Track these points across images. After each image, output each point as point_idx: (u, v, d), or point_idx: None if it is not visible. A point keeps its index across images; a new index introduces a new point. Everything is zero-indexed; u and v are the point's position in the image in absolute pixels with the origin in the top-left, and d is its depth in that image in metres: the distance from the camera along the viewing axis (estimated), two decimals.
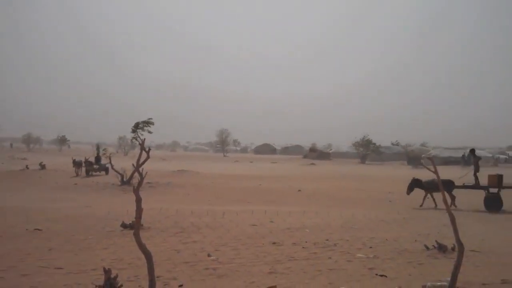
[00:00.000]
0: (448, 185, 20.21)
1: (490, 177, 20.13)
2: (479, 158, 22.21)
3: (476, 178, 20.98)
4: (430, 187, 20.69)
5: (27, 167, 39.93)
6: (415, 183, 21.60)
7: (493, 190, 20.11)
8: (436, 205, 20.25)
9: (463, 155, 74.78)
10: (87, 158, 38.57)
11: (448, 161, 76.06)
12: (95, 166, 38.55)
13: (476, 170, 21.31)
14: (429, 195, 21.08)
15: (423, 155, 76.06)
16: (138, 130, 26.89)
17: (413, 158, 76.75)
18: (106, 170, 37.71)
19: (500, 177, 20.04)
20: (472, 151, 22.37)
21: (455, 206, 19.52)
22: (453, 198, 20.17)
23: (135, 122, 26.95)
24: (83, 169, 37.52)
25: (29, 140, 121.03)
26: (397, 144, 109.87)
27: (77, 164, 37.59)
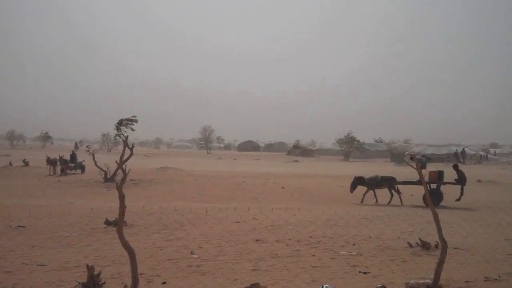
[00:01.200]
0: (391, 181, 21.32)
1: (431, 173, 20.60)
2: (428, 158, 22.56)
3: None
4: (372, 184, 21.48)
5: (10, 163, 39.57)
6: (357, 181, 22.01)
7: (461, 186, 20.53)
8: (376, 201, 20.93)
9: (456, 152, 75.41)
10: (61, 156, 37.01)
11: (431, 158, 76.63)
12: (70, 164, 37.20)
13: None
14: (400, 192, 21.35)
15: (406, 152, 76.58)
16: (121, 127, 26.75)
17: (396, 155, 77.29)
18: (82, 169, 37.06)
19: (440, 173, 20.68)
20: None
21: (401, 202, 20.42)
22: (398, 193, 21.01)
23: (119, 119, 26.81)
24: (58, 167, 36.28)
25: (12, 137, 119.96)
26: (381, 141, 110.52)
27: (51, 162, 36.23)
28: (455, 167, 21.24)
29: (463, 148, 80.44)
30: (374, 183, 21.40)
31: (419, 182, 20.33)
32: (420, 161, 19.78)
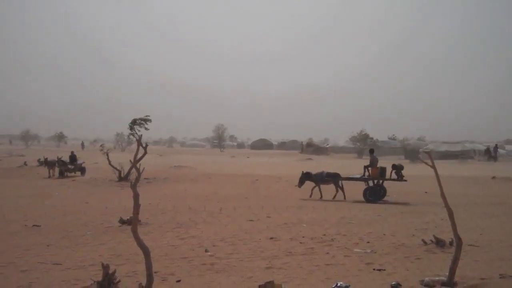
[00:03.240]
0: (335, 177, 22.05)
1: (373, 169, 21.23)
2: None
3: (366, 171, 21.79)
4: (318, 179, 22.24)
5: (25, 163, 39.78)
6: (305, 176, 22.65)
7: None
8: (321, 197, 21.48)
9: (488, 148, 74.57)
10: (59, 157, 34.58)
11: (445, 155, 76.03)
12: (70, 166, 34.52)
13: (371, 165, 21.80)
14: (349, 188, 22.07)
15: (420, 149, 76.07)
16: (135, 127, 26.83)
17: (410, 152, 76.72)
18: (82, 171, 34.94)
19: (383, 169, 21.20)
20: (371, 150, 23.03)
21: (343, 198, 21.13)
22: (341, 189, 21.65)
23: (132, 118, 26.91)
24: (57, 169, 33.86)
25: (27, 137, 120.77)
26: (394, 139, 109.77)
27: (49, 164, 33.95)
28: (394, 167, 21.73)
29: (496, 144, 79.55)
30: (320, 178, 22.22)
31: (362, 178, 21.54)
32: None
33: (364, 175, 21.74)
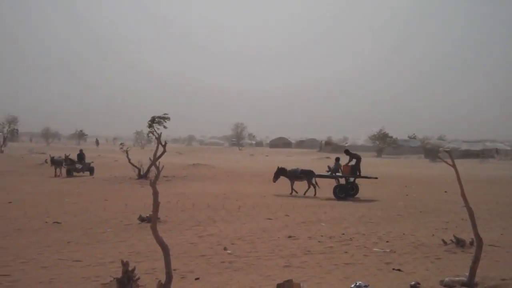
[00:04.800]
0: (309, 174, 22.76)
1: (345, 167, 21.71)
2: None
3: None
4: (293, 175, 22.99)
5: (46, 161, 40.08)
6: (280, 172, 23.48)
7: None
8: (292, 192, 22.27)
9: None
10: (67, 155, 32.99)
11: (466, 154, 75.30)
12: (77, 166, 32.86)
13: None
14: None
15: (440, 148, 75.39)
16: (154, 125, 27.03)
17: (430, 151, 76.09)
18: (91, 170, 33.19)
19: (353, 167, 21.56)
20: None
21: (314, 195, 21.76)
22: (314, 186, 22.34)
23: (151, 116, 27.08)
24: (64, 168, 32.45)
25: (47, 135, 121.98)
26: (414, 137, 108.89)
27: (56, 162, 32.42)
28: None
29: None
30: (294, 175, 22.94)
31: (334, 176, 22.16)
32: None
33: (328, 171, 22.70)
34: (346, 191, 21.11)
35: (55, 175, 31.93)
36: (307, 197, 21.42)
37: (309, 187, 22.44)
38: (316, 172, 23.21)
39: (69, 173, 32.26)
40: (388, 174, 34.97)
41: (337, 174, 22.21)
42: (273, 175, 23.78)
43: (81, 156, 33.77)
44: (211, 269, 8.63)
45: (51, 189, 23.62)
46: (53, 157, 33.32)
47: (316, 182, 22.61)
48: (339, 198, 20.63)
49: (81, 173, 32.90)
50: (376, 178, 22.78)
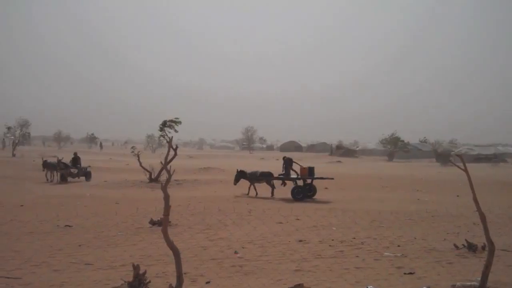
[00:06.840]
0: (268, 176, 23.70)
1: (302, 169, 22.54)
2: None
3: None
4: (252, 178, 23.86)
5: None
6: (240, 175, 24.44)
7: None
8: (256, 194, 23.06)
9: None
10: (59, 159, 30.90)
11: (478, 159, 74.81)
12: (72, 170, 30.80)
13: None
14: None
15: (452, 152, 74.94)
16: (165, 128, 27.12)
17: (442, 155, 75.65)
18: (87, 175, 31.36)
19: (311, 169, 22.49)
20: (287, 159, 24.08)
21: (272, 195, 22.68)
22: (272, 187, 23.27)
23: (163, 120, 27.17)
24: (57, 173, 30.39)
25: (59, 138, 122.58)
26: (425, 142, 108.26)
27: (48, 166, 30.55)
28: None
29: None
30: (254, 177, 23.83)
31: (292, 178, 22.75)
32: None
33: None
34: (303, 192, 21.81)
35: (47, 180, 30.31)
36: (266, 198, 22.18)
37: (272, 187, 23.27)
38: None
39: (63, 178, 30.13)
40: (399, 178, 34.82)
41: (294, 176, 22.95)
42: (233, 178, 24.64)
43: (75, 160, 31.78)
44: (222, 273, 8.64)
45: (62, 193, 23.75)
46: (46, 160, 31.89)
47: (273, 184, 23.49)
48: (297, 199, 21.32)
49: (76, 178, 31.06)
50: (332, 179, 24.15)
